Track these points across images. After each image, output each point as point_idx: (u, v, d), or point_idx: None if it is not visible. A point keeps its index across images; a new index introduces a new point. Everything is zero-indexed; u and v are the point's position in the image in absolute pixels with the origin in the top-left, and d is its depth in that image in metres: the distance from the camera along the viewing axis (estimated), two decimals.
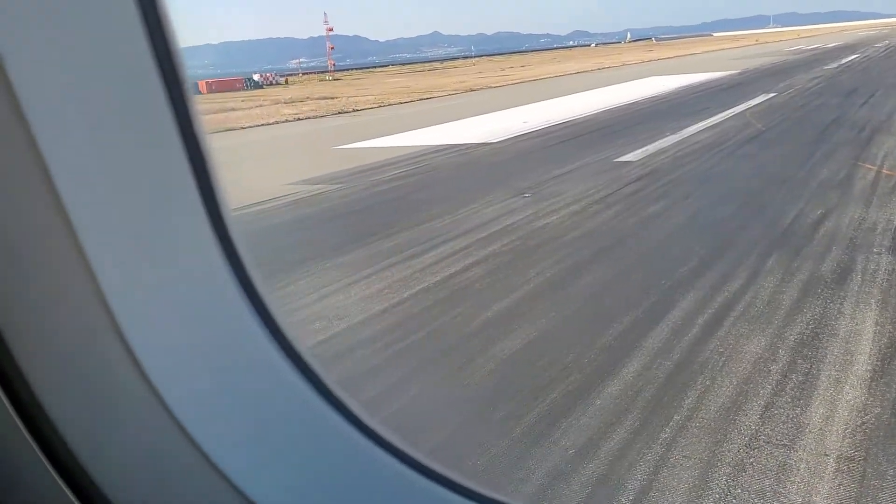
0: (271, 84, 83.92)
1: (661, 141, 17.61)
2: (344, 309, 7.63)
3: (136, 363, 0.86)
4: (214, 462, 0.91)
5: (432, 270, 8.72)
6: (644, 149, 16.64)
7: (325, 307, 7.73)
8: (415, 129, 25.58)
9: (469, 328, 6.86)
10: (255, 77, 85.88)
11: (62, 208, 0.79)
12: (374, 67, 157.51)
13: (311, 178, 16.57)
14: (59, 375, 0.87)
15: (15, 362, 0.86)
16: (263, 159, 21.89)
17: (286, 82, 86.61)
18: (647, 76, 46.21)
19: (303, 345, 1.02)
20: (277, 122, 34.03)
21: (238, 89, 76.67)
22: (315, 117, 35.91)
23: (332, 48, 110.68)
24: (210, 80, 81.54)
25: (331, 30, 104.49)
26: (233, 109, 43.88)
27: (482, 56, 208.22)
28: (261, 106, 46.12)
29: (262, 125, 33.08)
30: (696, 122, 20.43)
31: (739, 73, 41.63)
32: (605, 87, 39.36)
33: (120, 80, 0.83)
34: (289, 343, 1.00)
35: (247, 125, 32.94)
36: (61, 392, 0.88)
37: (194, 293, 0.93)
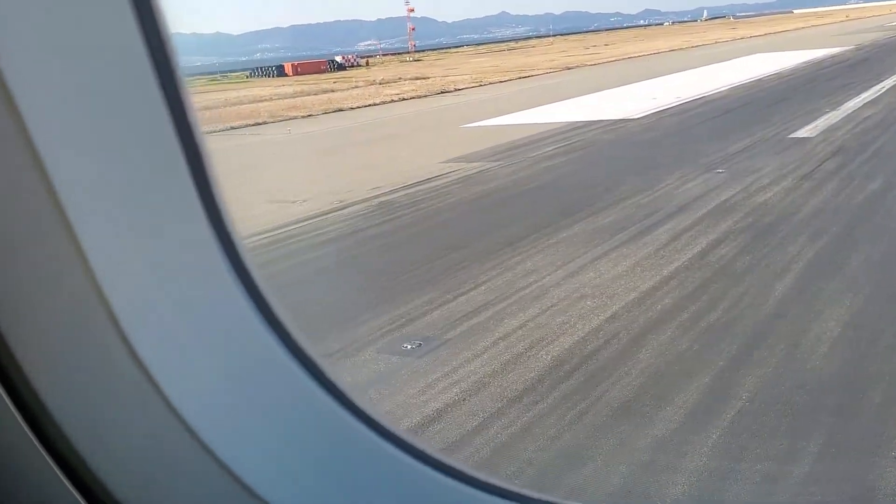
0: (353, 66, 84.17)
1: (825, 117, 16.73)
2: (605, 287, 7.27)
3: (136, 358, 0.84)
4: (215, 453, 0.90)
5: (675, 248, 8.29)
6: (814, 125, 15.83)
7: (583, 284, 7.38)
8: (534, 107, 25.09)
9: (767, 308, 6.42)
10: (338, 59, 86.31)
11: (60, 206, 0.78)
12: (447, 48, 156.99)
13: (462, 156, 16.27)
14: (61, 372, 0.87)
15: (16, 361, 0.85)
16: (395, 139, 21.72)
17: (367, 64, 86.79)
18: (749, 53, 44.56)
19: (301, 336, 1.00)
20: (384, 103, 33.90)
21: (323, 71, 77.07)
22: (419, 97, 35.68)
23: (413, 29, 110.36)
24: (295, 63, 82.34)
25: (412, 10, 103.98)
26: (331, 91, 44.05)
27: (556, 35, 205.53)
28: (357, 87, 46.17)
29: (370, 106, 33.01)
30: (851, 98, 19.40)
31: (856, 49, 39.76)
32: (715, 64, 38.09)
33: (115, 76, 0.82)
34: (287, 334, 0.98)
35: (354, 106, 32.91)
36: (63, 389, 0.88)
37: (192, 288, 0.92)
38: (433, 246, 9.51)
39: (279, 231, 10.86)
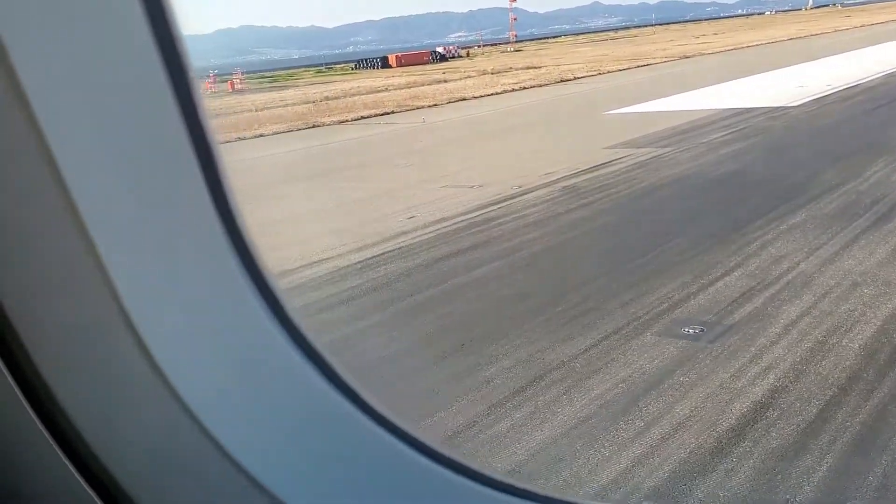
0: (454, 57, 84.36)
1: None
2: (875, 274, 6.86)
3: (147, 354, 0.85)
4: (224, 448, 0.90)
5: None
6: None
7: (848, 271, 6.99)
8: (672, 95, 24.43)
9: None
10: (439, 50, 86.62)
11: (71, 203, 0.78)
12: (542, 38, 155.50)
13: (625, 142, 15.91)
14: (73, 368, 0.88)
15: (30, 359, 0.85)
16: (536, 126, 21.51)
17: (468, 55, 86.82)
18: (879, 42, 42.19)
19: (310, 332, 0.98)
20: (505, 92, 33.72)
21: (426, 62, 77.56)
22: (538, 86, 35.33)
23: (515, 20, 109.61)
24: (398, 54, 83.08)
25: (514, 0, 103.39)
26: (444, 81, 44.15)
27: (655, 25, 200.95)
28: (469, 77, 46.11)
29: (492, 95, 32.87)
30: None
31: None
32: (850, 52, 36.32)
33: (127, 79, 0.82)
34: (298, 332, 0.97)
35: (476, 95, 32.84)
36: (75, 385, 0.88)
37: (203, 286, 0.91)
38: (650, 231, 9.25)
39: (475, 214, 10.80)
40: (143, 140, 0.85)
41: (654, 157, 14.03)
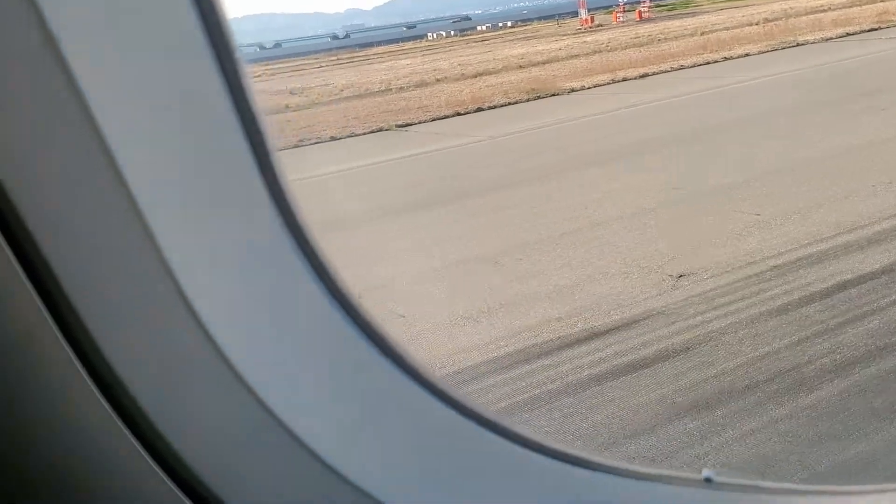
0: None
1: None
2: None
3: (204, 332, 0.86)
4: (287, 426, 0.91)
5: None
6: None
7: None
8: None
9: None
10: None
11: (124, 184, 0.79)
12: None
13: None
14: (136, 351, 0.88)
15: (90, 335, 0.86)
16: None
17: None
18: None
19: (368, 312, 0.97)
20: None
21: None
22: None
23: None
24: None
25: None
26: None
27: None
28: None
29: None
30: None
31: None
32: None
33: (176, 67, 0.81)
34: (353, 308, 0.95)
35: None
36: (138, 366, 0.89)
37: (254, 259, 0.89)
38: None
39: None
40: (187, 113, 0.82)
41: None
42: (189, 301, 0.85)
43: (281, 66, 53.47)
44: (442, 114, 19.52)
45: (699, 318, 5.68)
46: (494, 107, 19.84)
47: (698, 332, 5.43)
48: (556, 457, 1.02)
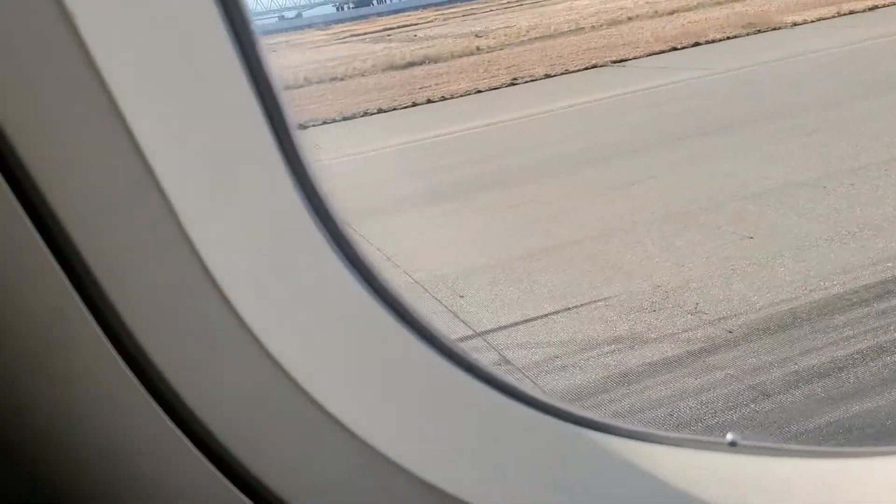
0: None
1: None
2: None
3: (231, 310, 0.87)
4: (315, 399, 0.92)
5: None
6: None
7: None
8: None
9: None
10: None
11: (146, 163, 0.80)
12: None
13: None
14: (163, 329, 0.88)
15: (121, 319, 0.86)
16: None
17: None
18: None
19: (392, 286, 0.98)
20: None
21: None
22: None
23: None
24: None
25: None
26: None
27: None
28: None
29: None
30: None
31: None
32: None
33: (195, 49, 0.82)
34: (378, 283, 0.96)
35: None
36: (167, 343, 0.89)
37: (277, 237, 0.92)
38: None
39: None
40: (211, 98, 0.84)
41: None
42: (215, 278, 0.84)
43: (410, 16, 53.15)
44: (656, 49, 18.62)
45: None
46: (712, 41, 18.71)
47: None
48: (584, 424, 1.04)
